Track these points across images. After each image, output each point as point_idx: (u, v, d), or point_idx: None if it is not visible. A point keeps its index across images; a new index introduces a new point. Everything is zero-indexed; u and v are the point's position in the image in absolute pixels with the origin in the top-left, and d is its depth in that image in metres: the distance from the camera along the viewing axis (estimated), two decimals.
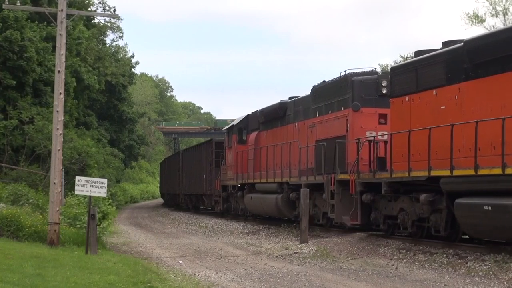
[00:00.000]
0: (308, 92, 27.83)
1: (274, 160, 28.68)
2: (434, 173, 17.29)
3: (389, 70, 23.66)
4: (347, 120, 22.94)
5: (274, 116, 30.15)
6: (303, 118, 27.02)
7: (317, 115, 25.47)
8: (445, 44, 18.86)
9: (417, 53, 19.87)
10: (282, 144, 28.13)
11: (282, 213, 28.01)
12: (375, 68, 23.68)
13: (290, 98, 29.18)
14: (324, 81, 25.70)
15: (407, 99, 19.56)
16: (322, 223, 24.50)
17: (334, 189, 22.32)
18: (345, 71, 23.44)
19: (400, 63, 20.64)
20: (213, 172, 39.01)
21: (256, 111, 33.10)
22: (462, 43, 17.43)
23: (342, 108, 23.35)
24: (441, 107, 18.02)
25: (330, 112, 24.36)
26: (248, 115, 34.06)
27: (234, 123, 35.04)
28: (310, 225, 24.62)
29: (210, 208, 43.67)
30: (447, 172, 16.76)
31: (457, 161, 16.59)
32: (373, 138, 21.16)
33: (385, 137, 21.03)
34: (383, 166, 20.24)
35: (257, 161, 31.07)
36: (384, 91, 22.42)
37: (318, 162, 24.23)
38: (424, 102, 18.78)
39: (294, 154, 26.70)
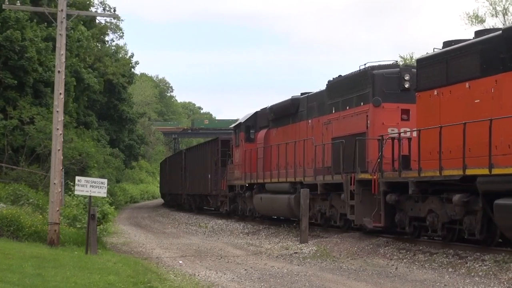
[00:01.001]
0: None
1: (286, 159, 27.34)
2: (469, 171, 15.95)
3: (409, 63, 22.78)
4: (367, 116, 21.76)
5: (285, 113, 28.82)
6: (317, 115, 25.73)
7: (333, 111, 24.17)
8: (446, 44, 18.39)
9: (446, 43, 18.66)
10: (295, 141, 26.75)
11: (295, 214, 26.15)
12: (397, 61, 22.37)
13: (302, 94, 27.98)
14: (340, 75, 24.44)
15: (435, 93, 18.32)
16: (340, 225, 23.27)
17: (354, 189, 20.96)
18: (364, 64, 22.27)
19: (428, 54, 18.95)
20: (219, 172, 37.80)
21: (265, 108, 31.65)
22: (500, 31, 16.40)
23: (362, 104, 22.14)
24: (475, 101, 16.78)
25: (348, 108, 23.08)
26: (256, 112, 32.82)
27: (242, 120, 33.69)
28: (326, 227, 24.12)
29: (213, 209, 43.06)
30: (485, 171, 15.46)
31: (494, 159, 15.36)
32: (397, 134, 19.98)
33: (408, 134, 20.12)
34: (407, 164, 19.21)
35: (267, 160, 29.72)
36: (406, 85, 21.34)
37: (336, 160, 22.95)
38: (455, 95, 17.54)
39: (309, 152, 25.44)
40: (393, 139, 19.97)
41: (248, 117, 33.08)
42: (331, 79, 24.76)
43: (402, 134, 20.20)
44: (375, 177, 19.86)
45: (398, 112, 21.46)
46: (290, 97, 28.59)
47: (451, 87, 17.76)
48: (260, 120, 32.13)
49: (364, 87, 22.09)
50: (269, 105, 31.00)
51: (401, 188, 18.96)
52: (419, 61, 19.90)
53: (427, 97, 18.72)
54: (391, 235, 20.67)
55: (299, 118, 27.49)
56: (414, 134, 19.53)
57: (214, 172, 38.84)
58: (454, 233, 17.78)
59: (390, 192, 19.46)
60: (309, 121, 26.42)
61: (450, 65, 17.81)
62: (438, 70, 18.26)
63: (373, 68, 21.87)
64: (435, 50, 18.73)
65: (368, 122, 21.67)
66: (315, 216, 25.03)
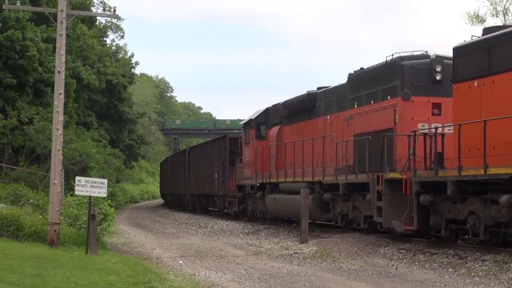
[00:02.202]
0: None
1: (302, 157, 25.55)
2: None
3: (439, 54, 20.68)
4: (395, 110, 20.27)
5: (300, 109, 27.03)
6: (337, 110, 24.11)
7: (356, 106, 22.59)
8: (487, 30, 17.03)
9: (486, 30, 17.46)
10: (313, 139, 24.93)
11: (313, 216, 24.66)
12: (427, 52, 20.74)
13: (319, 88, 26.27)
14: (362, 68, 22.80)
15: (476, 84, 16.83)
16: (363, 227, 21.56)
17: (382, 189, 19.33)
18: (392, 54, 20.65)
19: (466, 42, 17.57)
20: (226, 171, 36.16)
21: (278, 103, 29.88)
22: None
23: (389, 97, 20.64)
24: None
25: (372, 102, 21.57)
26: (268, 108, 31.13)
27: (253, 117, 31.77)
28: (348, 230, 22.58)
29: (217, 210, 42.26)
30: None
31: None
32: (432, 130, 18.27)
33: (440, 130, 18.29)
34: (440, 162, 17.64)
35: (281, 159, 27.95)
36: (438, 78, 19.84)
37: (361, 158, 21.20)
38: (500, 86, 16.11)
39: (328, 150, 23.81)
40: (425, 135, 18.39)
41: (259, 113, 31.50)
42: (352, 72, 23.26)
43: (434, 130, 18.48)
44: (407, 176, 18.35)
45: (428, 106, 19.98)
46: (305, 91, 27.00)
47: (495, 77, 16.32)
48: (272, 116, 30.53)
49: (391, 79, 20.63)
50: (282, 101, 29.39)
51: (436, 188, 17.54)
52: (456, 49, 17.94)
53: (466, 89, 17.21)
54: (423, 238, 19.35)
55: (316, 114, 25.89)
56: (446, 130, 18.14)
57: (221, 172, 37.35)
58: (499, 237, 16.51)
59: (423, 192, 17.89)
60: (328, 117, 24.84)
61: (493, 53, 16.39)
62: (479, 59, 16.78)
63: (401, 58, 20.38)
64: (473, 37, 17.51)
65: (396, 117, 20.23)
66: (335, 218, 23.51)
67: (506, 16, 48.88)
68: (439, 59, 20.39)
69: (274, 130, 29.70)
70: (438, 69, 19.99)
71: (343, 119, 23.41)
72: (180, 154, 54.61)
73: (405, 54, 20.49)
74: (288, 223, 28.36)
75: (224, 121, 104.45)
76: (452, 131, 17.80)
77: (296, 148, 26.32)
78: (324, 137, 24.18)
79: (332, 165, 23.36)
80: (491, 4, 48.94)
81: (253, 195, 31.28)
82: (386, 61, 20.98)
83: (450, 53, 18.67)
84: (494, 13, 48.85)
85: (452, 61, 18.39)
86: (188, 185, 46.62)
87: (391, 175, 19.22)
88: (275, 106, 30.18)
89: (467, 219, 16.78)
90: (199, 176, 43.22)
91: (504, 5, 48.78)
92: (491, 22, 49.67)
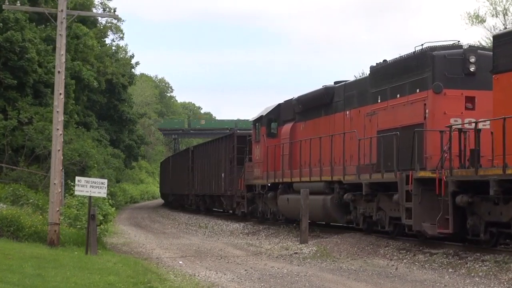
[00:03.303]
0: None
1: (320, 155, 24.08)
2: None
3: (473, 44, 19.57)
4: (425, 104, 18.82)
5: (316, 104, 25.49)
6: (357, 105, 22.61)
7: (379, 100, 21.14)
8: None
9: None
10: (332, 135, 23.44)
11: (332, 217, 23.69)
12: (459, 41, 19.39)
13: (336, 82, 24.86)
14: (385, 60, 21.43)
15: None
16: (389, 230, 20.24)
17: (412, 189, 17.94)
18: (421, 44, 19.28)
19: (508, 29, 16.93)
20: (234, 170, 34.52)
21: (291, 99, 28.27)
22: None
23: (418, 90, 19.17)
24: None
25: (398, 96, 20.12)
26: (279, 104, 29.57)
27: (263, 113, 30.21)
28: (370, 232, 21.46)
29: (222, 211, 41.48)
30: None
31: None
32: (471, 125, 16.92)
33: (473, 125, 17.07)
34: (477, 160, 16.33)
35: (295, 157, 26.56)
36: (472, 69, 18.52)
37: (387, 156, 19.72)
38: None
39: (349, 147, 22.30)
40: (460, 131, 17.13)
41: (270, 110, 29.95)
42: (374, 64, 21.88)
43: (467, 125, 17.47)
44: (441, 175, 17.07)
45: (462, 100, 18.61)
46: (321, 86, 25.50)
47: None
48: (284, 113, 28.96)
49: (421, 71, 19.16)
50: (296, 96, 27.80)
51: (474, 188, 16.29)
52: (496, 37, 16.90)
53: (508, 80, 15.99)
54: (458, 243, 17.91)
55: (333, 109, 24.35)
56: (480, 125, 16.82)
57: (228, 171, 35.77)
58: None
59: (460, 192, 16.57)
60: (347, 112, 23.33)
61: None
62: None
63: (432, 48, 18.94)
64: None
65: (427, 111, 18.77)
66: (357, 219, 21.97)
67: (506, 17, 48.90)
68: (473, 49, 19.18)
69: (287, 127, 28.20)
70: (472, 59, 18.62)
71: (365, 114, 22.01)
72: (183, 153, 53.40)
73: (435, 44, 19.14)
74: (288, 223, 28.33)
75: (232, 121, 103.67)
76: (487, 127, 16.76)
77: (313, 145, 24.80)
78: (345, 133, 22.67)
79: (352, 163, 22.04)
80: (491, 4, 48.96)
81: (264, 195, 29.81)
82: (415, 51, 19.47)
83: None
84: (494, 13, 48.88)
85: (486, 52, 17.69)
86: (192, 185, 45.39)
87: (422, 173, 17.88)
88: (288, 102, 28.75)
89: (511, 222, 15.50)
90: (204, 175, 41.90)
91: (504, 5, 48.80)
92: (491, 22, 49.75)
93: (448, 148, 17.02)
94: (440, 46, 19.06)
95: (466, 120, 17.98)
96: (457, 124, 17.66)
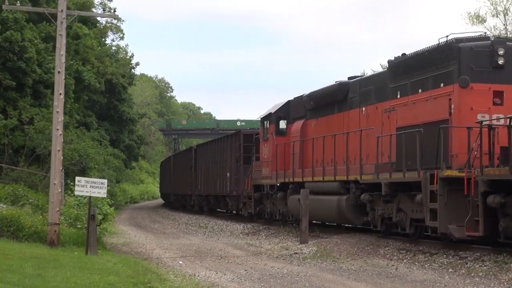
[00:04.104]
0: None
1: (334, 154, 23.04)
2: None
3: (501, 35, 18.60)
4: (450, 99, 17.73)
5: (329, 100, 24.39)
6: (375, 101, 21.53)
7: (399, 96, 20.00)
8: None
9: None
10: (347, 133, 22.40)
11: (347, 219, 22.61)
12: (485, 33, 18.31)
13: (349, 78, 23.92)
14: (404, 54, 20.26)
15: None
16: (410, 232, 19.15)
17: (437, 189, 16.83)
18: (446, 36, 18.21)
19: None
20: (240, 170, 33.44)
21: (301, 95, 27.22)
22: None
23: (442, 85, 18.04)
24: None
25: (420, 90, 18.94)
26: (289, 101, 28.51)
27: (272, 110, 29.08)
28: (388, 235, 20.70)
29: (225, 211, 40.87)
30: None
31: None
32: (505, 121, 15.87)
33: (501, 121, 16.51)
34: (506, 158, 15.58)
35: (307, 155, 25.41)
36: (500, 62, 17.42)
37: (409, 154, 18.55)
38: None
39: (366, 145, 21.20)
40: (490, 127, 16.28)
41: (279, 107, 28.83)
42: (393, 58, 20.71)
43: (495, 122, 16.57)
44: (470, 174, 16.11)
45: (489, 95, 17.53)
46: (334, 82, 24.49)
47: None
48: (294, 110, 27.82)
49: (446, 64, 18.03)
50: (306, 93, 26.66)
51: (507, 188, 15.44)
52: None
53: None
54: (488, 246, 16.90)
55: (348, 105, 23.25)
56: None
57: (234, 170, 34.66)
58: None
59: (492, 192, 15.65)
60: (363, 108, 22.22)
61: None
62: None
63: (458, 40, 17.83)
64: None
65: (452, 107, 17.70)
66: (374, 221, 20.91)
67: (507, 16, 48.89)
68: (502, 40, 18.20)
69: (297, 124, 27.05)
70: (501, 52, 17.51)
71: (383, 110, 20.94)
72: (186, 152, 52.41)
73: (461, 36, 18.09)
74: (288, 223, 28.32)
75: (224, 121, 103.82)
76: None
77: (326, 143, 23.69)
78: (362, 130, 21.47)
79: (369, 162, 21.00)
80: (492, 4, 48.95)
81: (273, 196, 28.63)
82: (439, 43, 18.31)
83: None
84: (495, 13, 48.86)
85: None
86: (195, 185, 44.40)
87: (449, 172, 16.79)
88: (298, 99, 27.70)
89: None
90: (208, 175, 40.78)
91: (505, 5, 48.78)
92: (492, 22, 49.75)
93: (478, 145, 16.06)
94: (466, 38, 18.03)
95: (494, 116, 16.99)
96: (487, 120, 16.60)
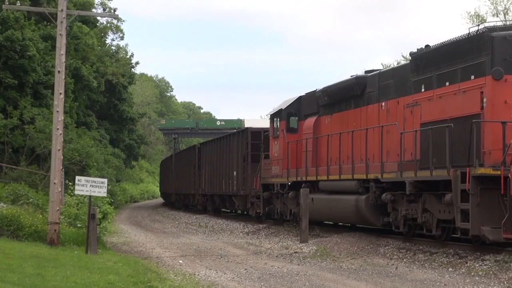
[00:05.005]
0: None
1: (352, 151, 21.87)
2: None
3: None
4: (482, 93, 16.57)
5: (345, 95, 23.29)
6: (395, 95, 20.41)
7: (423, 90, 18.82)
8: None
9: None
10: (367, 129, 21.28)
11: (366, 219, 21.33)
12: None
13: (367, 72, 22.87)
14: (427, 46, 19.03)
15: None
16: (436, 234, 18.09)
17: (470, 188, 15.77)
18: (477, 25, 17.35)
19: None
20: (248, 168, 32.30)
21: (314, 91, 26.05)
22: None
23: (473, 77, 16.85)
24: None
25: (447, 83, 17.78)
26: (300, 96, 27.30)
27: (282, 106, 27.91)
28: (411, 236, 19.73)
29: (230, 211, 40.15)
30: None
31: None
32: None
33: None
34: None
35: (321, 153, 24.23)
36: None
37: (438, 151, 17.40)
38: None
39: (388, 142, 20.11)
40: None
41: (290, 103, 27.64)
42: (415, 50, 19.53)
43: None
44: (507, 172, 15.20)
45: None
46: (350, 76, 23.51)
47: None
48: (306, 106, 26.73)
49: (477, 55, 16.87)
50: (320, 88, 25.48)
51: None
52: None
53: None
54: None
55: (366, 100, 22.16)
56: None
57: (242, 169, 33.53)
58: None
59: None
60: (382, 103, 21.13)
61: None
62: None
63: (490, 29, 16.68)
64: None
65: (484, 100, 16.57)
66: (396, 222, 19.73)
67: (507, 16, 48.88)
68: None
69: (310, 121, 25.97)
70: None
71: (405, 105, 19.81)
72: (188, 151, 50.89)
73: (493, 24, 17.05)
74: (288, 223, 28.30)
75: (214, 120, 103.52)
76: None
77: (343, 140, 22.55)
78: (383, 126, 20.31)
79: (389, 160, 19.97)
80: (492, 3, 48.96)
81: (284, 195, 27.25)
82: (469, 33, 17.18)
83: None
84: (495, 12, 48.88)
85: None
86: (199, 184, 43.24)
87: (483, 170, 15.71)
88: (310, 94, 26.47)
89: None
90: (213, 174, 39.66)
91: (505, 5, 48.80)
92: (492, 22, 49.63)
93: None
94: (499, 27, 16.91)
95: None
96: None
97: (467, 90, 17.05)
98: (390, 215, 19.88)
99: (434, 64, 18.42)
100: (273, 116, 28.73)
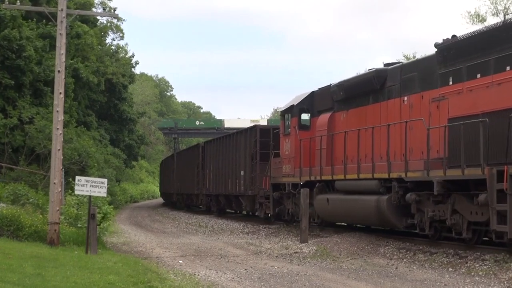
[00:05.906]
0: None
1: (372, 148, 20.68)
2: None
3: None
4: None
5: (363, 90, 22.13)
6: (419, 89, 19.27)
7: (451, 83, 17.60)
8: None
9: None
10: (388, 125, 19.85)
11: (388, 221, 20.03)
12: None
13: (386, 65, 21.79)
14: (454, 36, 17.85)
15: None
16: (466, 237, 16.99)
17: (507, 187, 14.56)
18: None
19: None
20: (256, 167, 31.00)
21: (328, 86, 24.84)
22: None
23: (508, 68, 15.62)
24: None
25: (479, 76, 16.53)
26: (313, 92, 26.10)
27: (294, 102, 26.62)
28: (436, 239, 18.55)
29: (234, 212, 39.46)
30: None
31: None
32: None
33: None
34: None
35: (337, 151, 23.21)
36: None
37: (469, 148, 16.17)
38: None
39: (413, 138, 18.89)
40: None
41: (302, 98, 26.43)
42: (441, 41, 18.29)
43: None
44: None
45: None
46: (367, 70, 22.39)
47: None
48: (319, 102, 25.56)
49: None
50: (335, 82, 24.43)
51: None
52: None
53: None
54: None
55: (386, 95, 21.02)
56: None
57: (249, 168, 32.15)
58: None
59: None
60: (405, 98, 19.99)
61: None
62: None
63: None
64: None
65: None
66: (422, 224, 18.49)
67: (507, 16, 48.88)
68: None
69: (324, 117, 24.80)
70: None
71: (430, 100, 18.63)
72: (191, 150, 49.90)
73: None
74: (287, 223, 28.30)
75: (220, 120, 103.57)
76: None
77: (362, 137, 21.35)
78: (407, 122, 19.10)
79: (413, 158, 18.83)
80: (492, 3, 48.96)
81: (296, 195, 25.70)
82: (504, 20, 16.08)
83: None
84: (495, 12, 48.88)
85: None
86: (203, 184, 42.07)
87: None
88: (324, 89, 25.25)
89: None
90: (218, 174, 38.41)
91: (505, 5, 48.80)
92: (492, 21, 49.69)
93: None
94: None
95: None
96: None
97: (502, 82, 15.76)
98: (415, 216, 18.64)
99: (463, 55, 17.14)
100: (283, 113, 27.43)
